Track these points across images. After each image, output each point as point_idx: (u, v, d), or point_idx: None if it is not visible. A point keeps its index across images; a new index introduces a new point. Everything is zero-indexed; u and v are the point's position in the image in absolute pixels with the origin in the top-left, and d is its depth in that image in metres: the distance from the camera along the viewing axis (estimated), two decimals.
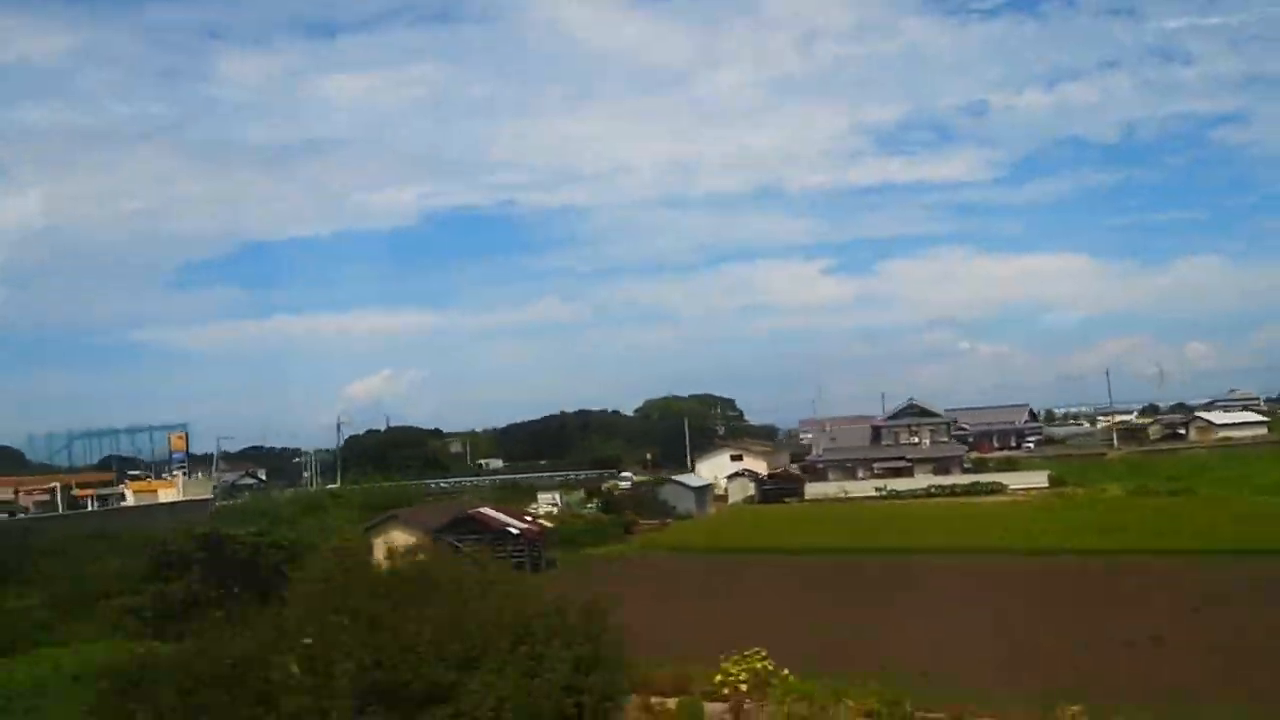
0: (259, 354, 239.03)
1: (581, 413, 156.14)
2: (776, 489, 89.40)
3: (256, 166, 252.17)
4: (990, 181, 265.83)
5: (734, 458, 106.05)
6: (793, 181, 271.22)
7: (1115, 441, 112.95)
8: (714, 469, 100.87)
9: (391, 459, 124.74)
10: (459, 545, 41.55)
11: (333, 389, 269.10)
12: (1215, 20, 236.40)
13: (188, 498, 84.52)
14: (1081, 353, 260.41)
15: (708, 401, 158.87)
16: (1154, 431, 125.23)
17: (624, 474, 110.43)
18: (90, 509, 79.45)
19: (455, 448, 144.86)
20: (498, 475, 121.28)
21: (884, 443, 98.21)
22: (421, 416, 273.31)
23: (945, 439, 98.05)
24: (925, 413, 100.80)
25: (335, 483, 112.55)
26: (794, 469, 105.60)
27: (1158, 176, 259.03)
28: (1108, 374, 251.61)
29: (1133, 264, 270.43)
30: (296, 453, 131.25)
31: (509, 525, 55.83)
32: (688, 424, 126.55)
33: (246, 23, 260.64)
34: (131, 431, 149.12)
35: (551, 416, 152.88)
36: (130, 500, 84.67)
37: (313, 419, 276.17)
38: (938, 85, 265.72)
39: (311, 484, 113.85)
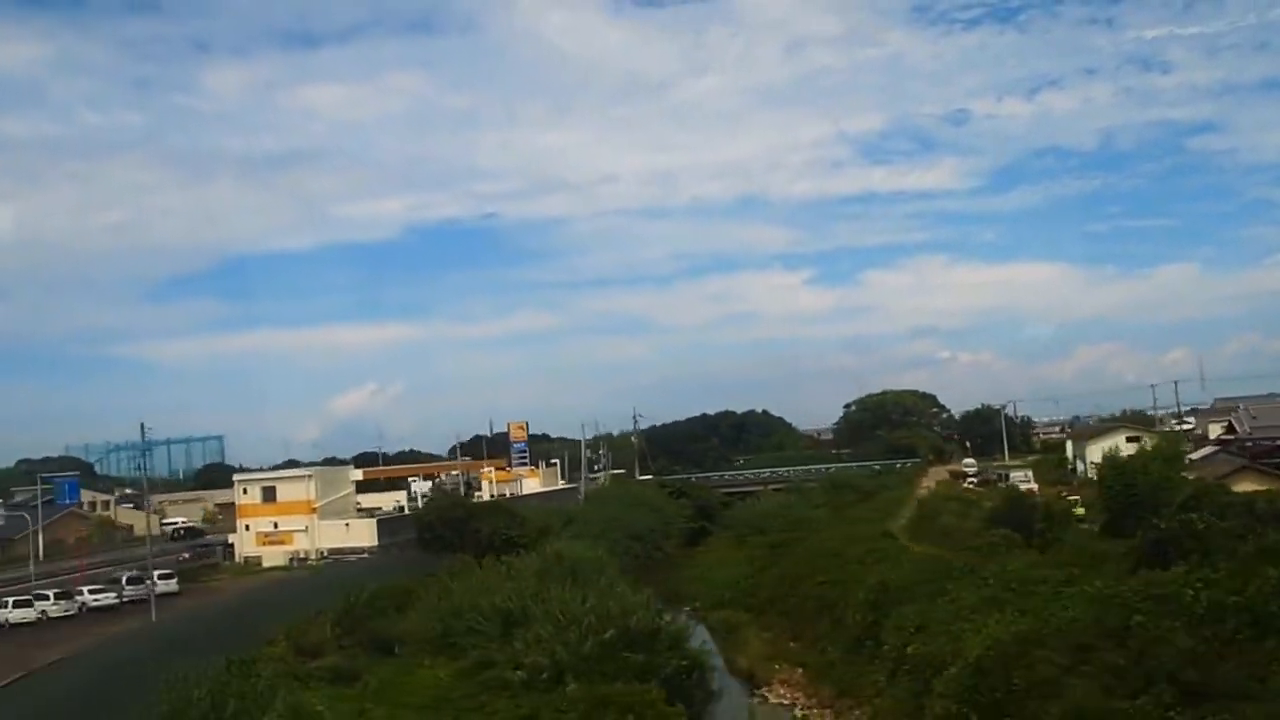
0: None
1: (726, 413, 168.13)
2: None
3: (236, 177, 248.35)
4: (970, 190, 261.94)
5: (1131, 439, 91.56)
6: (775, 190, 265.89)
7: None
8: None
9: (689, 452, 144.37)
10: None
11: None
12: (1193, 30, 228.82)
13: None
14: (1060, 361, 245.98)
15: (924, 398, 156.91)
16: None
17: (966, 461, 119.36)
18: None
19: None
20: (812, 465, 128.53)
21: None
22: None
23: None
24: None
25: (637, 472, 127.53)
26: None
27: (1135, 184, 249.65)
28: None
29: (1112, 271, 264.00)
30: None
31: None
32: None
33: (226, 33, 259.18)
34: (169, 443, 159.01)
35: (698, 419, 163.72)
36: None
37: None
38: (919, 94, 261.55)
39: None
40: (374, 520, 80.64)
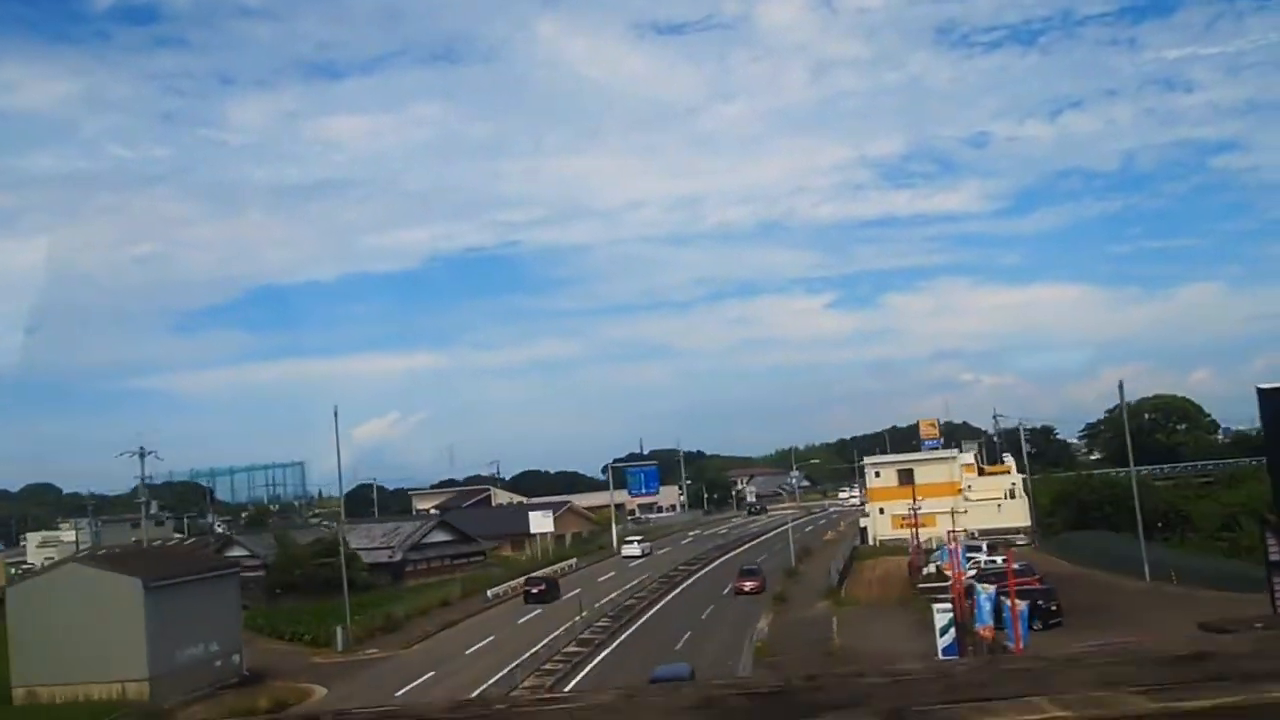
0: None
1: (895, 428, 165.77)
2: None
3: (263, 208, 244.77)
4: (992, 213, 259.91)
5: None
6: (797, 214, 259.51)
7: None
8: None
9: None
10: None
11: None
12: (1215, 49, 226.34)
13: None
14: (1085, 382, 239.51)
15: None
16: None
17: None
18: None
19: None
20: None
21: None
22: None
23: None
24: None
25: None
26: None
27: (1158, 204, 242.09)
28: None
29: (1135, 291, 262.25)
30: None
31: None
32: None
33: (249, 66, 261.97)
34: (251, 469, 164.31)
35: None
36: None
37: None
38: (941, 117, 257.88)
39: None
40: (1025, 501, 78.91)
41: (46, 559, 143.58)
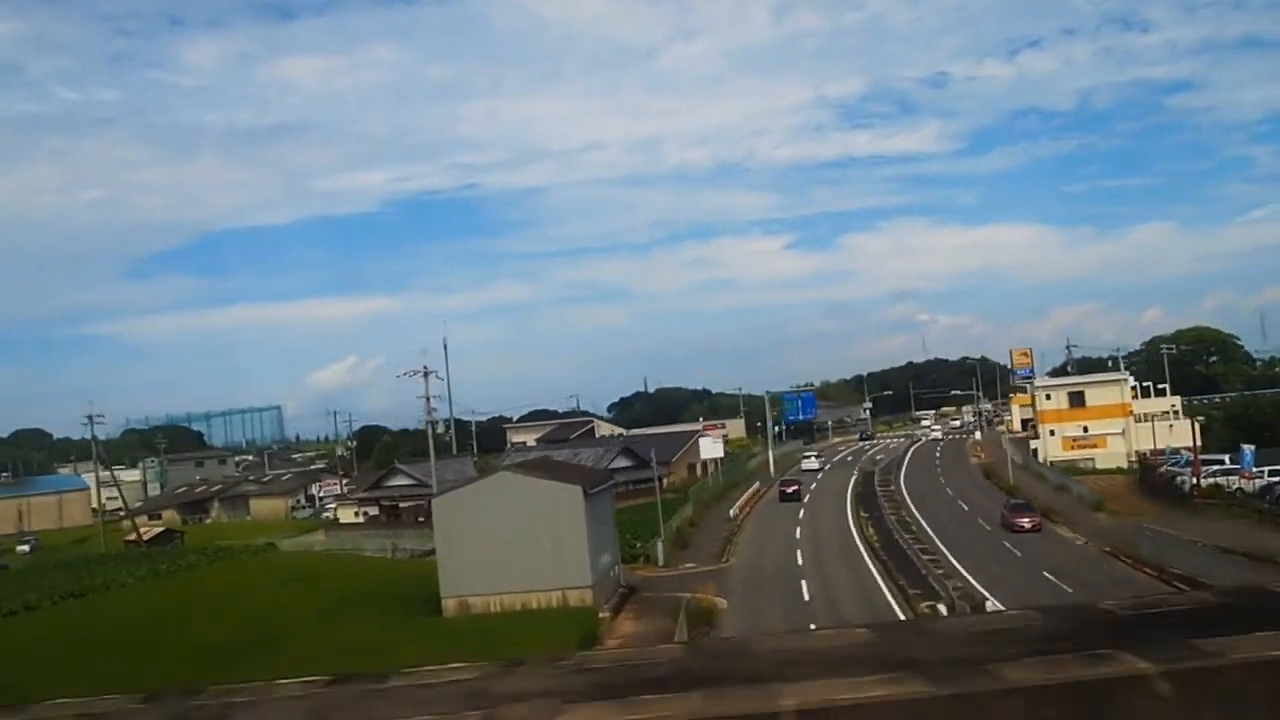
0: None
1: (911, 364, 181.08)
2: None
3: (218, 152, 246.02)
4: (949, 153, 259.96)
5: None
6: (757, 156, 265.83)
7: None
8: None
9: None
10: None
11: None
12: None
13: None
14: (1039, 321, 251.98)
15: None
16: None
17: None
18: None
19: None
20: None
21: None
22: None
23: None
24: None
25: None
26: None
27: (1114, 144, 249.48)
28: None
29: (1089, 231, 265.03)
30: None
31: None
32: None
33: (200, 6, 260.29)
34: (228, 414, 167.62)
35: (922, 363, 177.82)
36: None
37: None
38: (900, 57, 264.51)
39: None
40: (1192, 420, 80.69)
41: (109, 498, 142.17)
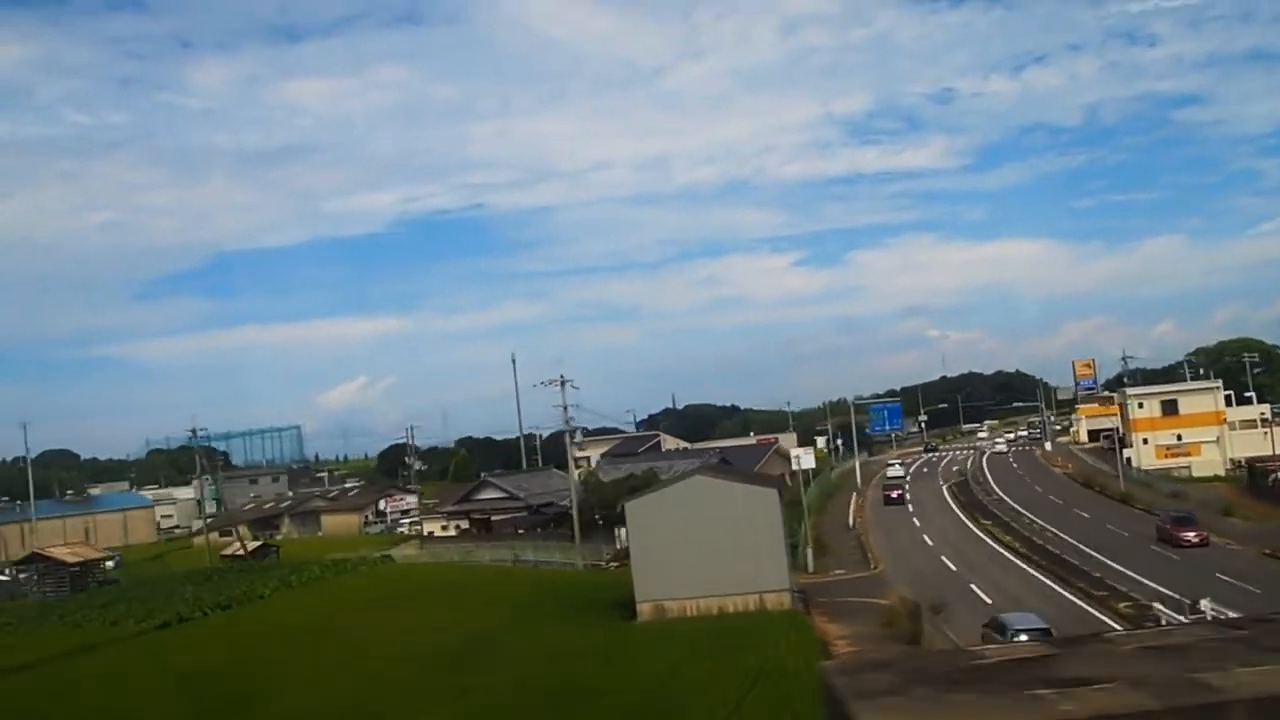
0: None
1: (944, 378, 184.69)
2: None
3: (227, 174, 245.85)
4: (957, 169, 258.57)
5: None
6: (764, 174, 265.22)
7: None
8: None
9: None
10: None
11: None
12: (1177, 2, 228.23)
13: None
14: (1050, 336, 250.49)
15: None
16: None
17: None
18: None
19: None
20: None
21: None
22: None
23: None
24: None
25: None
26: None
27: (1121, 158, 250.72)
28: None
29: (1099, 245, 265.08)
30: None
31: None
32: None
33: (208, 29, 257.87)
34: (247, 435, 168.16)
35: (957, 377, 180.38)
36: None
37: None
38: (906, 73, 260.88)
39: None
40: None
41: (163, 516, 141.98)
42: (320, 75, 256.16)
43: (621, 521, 58.05)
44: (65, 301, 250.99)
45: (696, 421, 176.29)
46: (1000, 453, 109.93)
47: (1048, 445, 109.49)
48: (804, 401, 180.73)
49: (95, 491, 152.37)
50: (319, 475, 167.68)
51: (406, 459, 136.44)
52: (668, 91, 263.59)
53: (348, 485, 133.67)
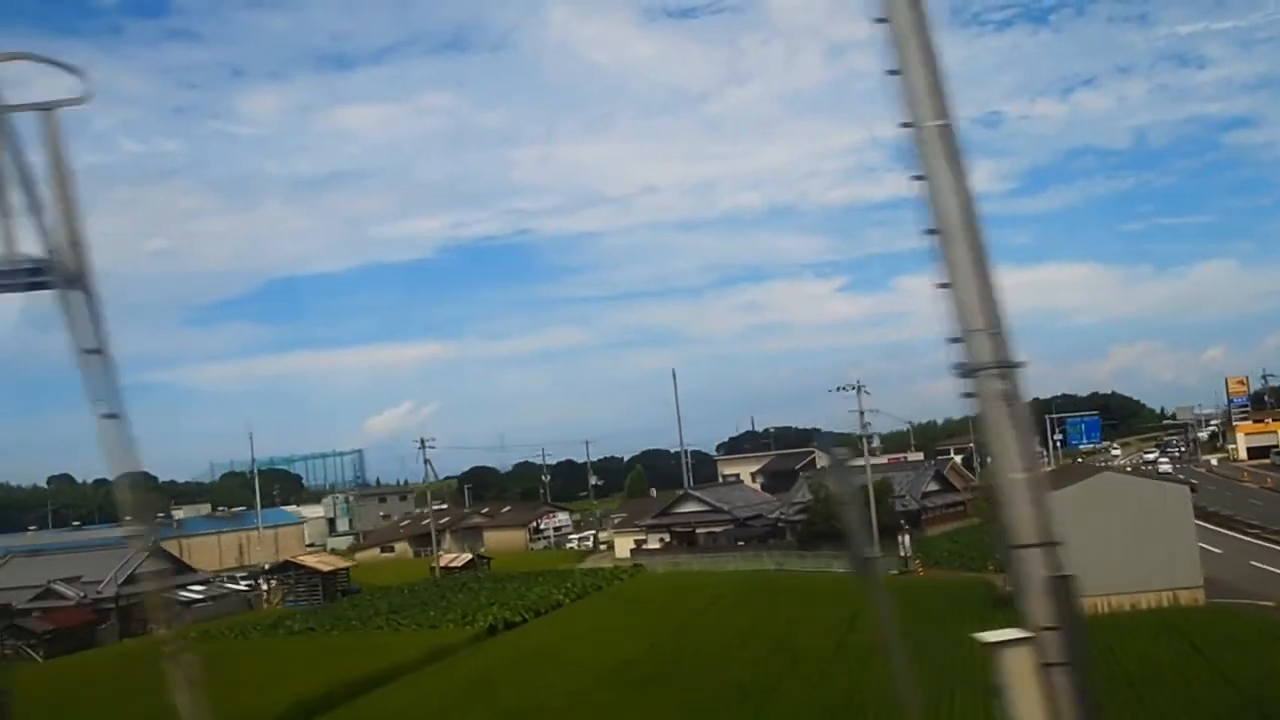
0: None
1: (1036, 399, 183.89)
2: None
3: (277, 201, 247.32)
4: (1003, 193, 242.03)
5: None
6: (809, 198, 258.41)
7: None
8: None
9: None
10: None
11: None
12: (1228, 24, 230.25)
13: None
14: (1098, 360, 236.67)
15: None
16: None
17: None
18: None
19: None
20: None
21: None
22: None
23: None
24: None
25: None
26: None
27: (1171, 182, 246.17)
28: None
29: (1147, 269, 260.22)
30: None
31: None
32: None
33: (260, 58, 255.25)
34: (309, 459, 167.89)
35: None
36: None
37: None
38: (953, 96, 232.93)
39: None
40: None
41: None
42: (369, 102, 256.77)
43: (891, 532, 58.65)
44: (122, 326, 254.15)
45: (785, 444, 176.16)
46: (1167, 472, 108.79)
47: (1213, 461, 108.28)
48: (881, 425, 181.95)
49: (179, 515, 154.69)
50: (404, 496, 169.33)
51: (588, 477, 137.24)
52: (713, 116, 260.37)
53: (437, 506, 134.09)
